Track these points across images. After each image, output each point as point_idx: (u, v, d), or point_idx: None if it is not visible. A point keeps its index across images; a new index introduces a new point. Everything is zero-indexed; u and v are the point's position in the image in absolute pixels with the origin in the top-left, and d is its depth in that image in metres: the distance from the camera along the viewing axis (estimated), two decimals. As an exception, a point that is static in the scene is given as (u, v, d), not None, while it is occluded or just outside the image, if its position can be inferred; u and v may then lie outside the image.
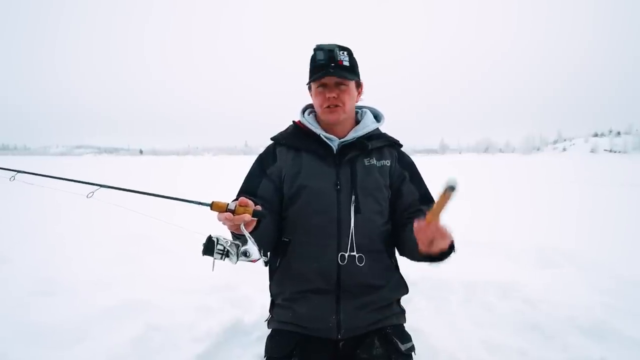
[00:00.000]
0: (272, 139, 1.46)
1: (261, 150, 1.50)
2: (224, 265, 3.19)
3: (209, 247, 1.04)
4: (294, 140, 1.40)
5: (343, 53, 1.30)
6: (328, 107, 1.32)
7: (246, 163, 1.47)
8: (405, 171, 1.39)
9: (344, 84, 1.31)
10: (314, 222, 1.28)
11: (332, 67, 1.27)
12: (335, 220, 1.27)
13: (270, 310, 1.45)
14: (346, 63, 1.29)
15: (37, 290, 2.41)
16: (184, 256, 3.25)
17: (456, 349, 1.90)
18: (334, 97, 1.31)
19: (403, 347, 1.30)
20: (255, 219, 1.06)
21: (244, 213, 1.03)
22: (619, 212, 5.82)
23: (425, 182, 1.42)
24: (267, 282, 1.46)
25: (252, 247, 1.04)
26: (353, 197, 1.29)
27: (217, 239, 1.04)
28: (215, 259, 1.04)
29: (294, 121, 1.47)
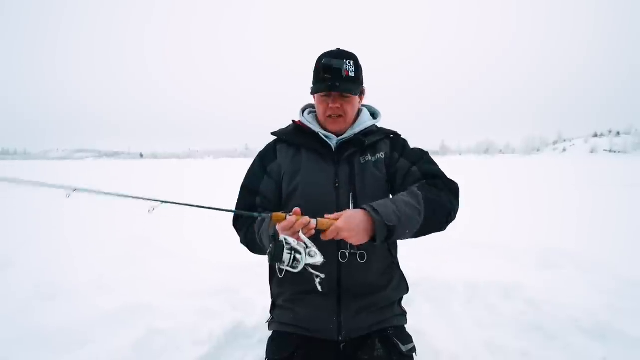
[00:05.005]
0: (272, 133, 1.47)
1: (262, 151, 1.50)
2: (224, 267, 3.18)
3: (277, 252, 1.01)
4: (294, 137, 1.41)
5: (349, 62, 1.29)
6: (330, 116, 1.34)
7: (247, 166, 1.48)
8: (396, 152, 1.38)
9: (348, 96, 1.31)
10: None
11: (338, 82, 1.27)
12: None
13: (271, 312, 1.45)
14: (352, 73, 1.30)
15: (40, 293, 2.41)
16: (186, 259, 3.26)
17: (458, 350, 1.90)
18: (337, 107, 1.32)
19: (404, 349, 1.30)
20: (314, 226, 1.06)
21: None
22: (620, 213, 5.81)
23: (421, 149, 1.38)
24: (268, 284, 1.47)
25: (315, 249, 1.05)
26: (351, 194, 1.29)
27: (285, 239, 1.03)
28: (284, 261, 1.01)
29: (293, 121, 1.48)
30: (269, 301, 1.47)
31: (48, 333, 1.91)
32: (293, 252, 1.02)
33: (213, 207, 1.19)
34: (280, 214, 1.06)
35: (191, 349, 1.87)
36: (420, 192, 1.15)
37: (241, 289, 2.55)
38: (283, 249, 1.01)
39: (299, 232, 1.04)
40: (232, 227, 1.37)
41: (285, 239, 1.03)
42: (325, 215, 1.08)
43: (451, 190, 1.22)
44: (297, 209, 1.08)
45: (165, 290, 2.51)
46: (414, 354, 1.34)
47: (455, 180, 1.27)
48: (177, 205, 1.23)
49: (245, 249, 1.35)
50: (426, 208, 1.12)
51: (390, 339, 1.31)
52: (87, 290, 2.50)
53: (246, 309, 2.30)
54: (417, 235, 1.15)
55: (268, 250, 1.02)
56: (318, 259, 1.04)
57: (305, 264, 1.04)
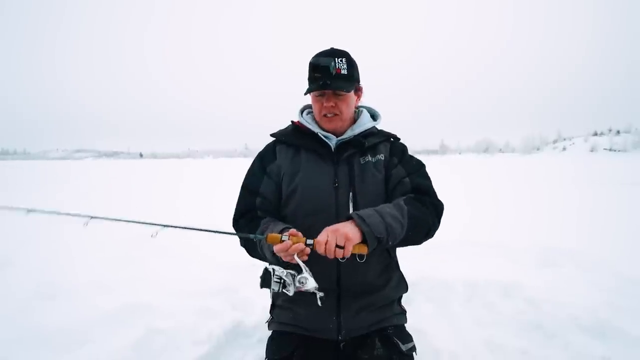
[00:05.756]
0: (272, 135, 1.47)
1: (261, 151, 1.50)
2: (224, 266, 3.18)
3: (266, 278, 1.06)
4: (293, 138, 1.41)
5: (341, 60, 1.29)
6: (325, 115, 1.34)
7: (246, 166, 1.48)
8: (395, 157, 1.39)
9: (342, 93, 1.31)
10: (313, 220, 1.27)
11: (329, 80, 1.27)
12: (334, 217, 1.26)
13: (271, 312, 1.45)
14: (344, 71, 1.29)
15: (40, 293, 2.41)
16: (185, 259, 3.26)
17: (458, 349, 1.90)
18: (331, 106, 1.32)
19: (404, 348, 1.31)
20: (309, 248, 1.07)
21: (297, 243, 1.06)
22: (620, 211, 5.81)
23: (419, 161, 1.40)
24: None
25: (307, 275, 1.05)
26: (351, 194, 1.29)
27: (273, 270, 1.07)
28: (273, 289, 1.06)
29: (292, 121, 1.48)
30: (269, 301, 1.47)
31: (48, 333, 1.91)
32: (282, 281, 1.05)
33: (215, 230, 1.23)
34: (275, 236, 1.07)
35: (191, 348, 1.87)
36: (406, 207, 1.17)
37: (241, 289, 2.55)
38: (271, 279, 1.06)
39: (293, 255, 1.05)
40: (233, 228, 1.37)
41: (273, 270, 1.06)
42: None
43: (435, 209, 1.26)
44: (292, 230, 1.09)
45: (165, 290, 2.51)
46: (413, 353, 1.34)
47: (442, 201, 1.30)
48: (180, 229, 1.30)
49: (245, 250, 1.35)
50: (409, 223, 1.15)
51: (390, 338, 1.31)
52: (87, 290, 2.50)
53: (246, 309, 2.30)
54: (395, 246, 1.17)
55: (260, 275, 1.07)
56: (309, 285, 1.04)
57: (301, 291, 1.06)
